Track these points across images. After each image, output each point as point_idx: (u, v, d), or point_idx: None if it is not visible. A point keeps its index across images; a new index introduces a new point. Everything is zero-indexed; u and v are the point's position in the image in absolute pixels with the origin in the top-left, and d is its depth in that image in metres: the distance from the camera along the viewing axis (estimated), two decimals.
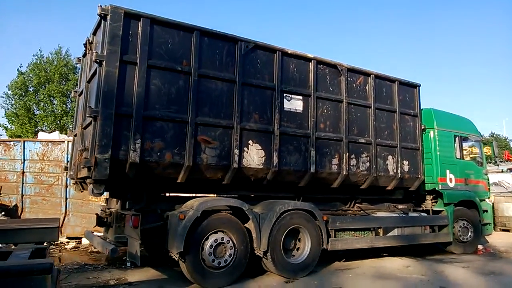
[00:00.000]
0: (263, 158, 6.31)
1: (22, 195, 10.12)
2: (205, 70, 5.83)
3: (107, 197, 6.97)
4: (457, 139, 9.45)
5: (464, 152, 9.76)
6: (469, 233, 9.10)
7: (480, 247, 10.03)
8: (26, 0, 44.38)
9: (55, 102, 25.96)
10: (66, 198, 9.74)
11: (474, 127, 10.10)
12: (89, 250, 8.60)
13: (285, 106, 6.64)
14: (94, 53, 5.10)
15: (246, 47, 6.23)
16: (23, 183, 10.10)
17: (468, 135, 9.78)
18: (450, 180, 9.08)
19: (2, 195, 10.20)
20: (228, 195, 6.62)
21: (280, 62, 6.60)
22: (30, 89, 26.11)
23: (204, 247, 5.59)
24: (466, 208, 9.28)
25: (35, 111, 26.27)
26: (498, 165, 14.78)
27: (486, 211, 9.85)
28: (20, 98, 25.72)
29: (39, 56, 26.31)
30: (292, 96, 6.74)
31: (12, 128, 25.57)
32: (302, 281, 6.20)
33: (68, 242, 9.36)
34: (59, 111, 25.41)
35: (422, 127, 8.87)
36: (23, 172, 10.12)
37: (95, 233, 7.68)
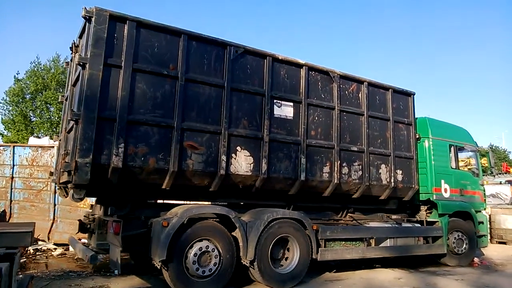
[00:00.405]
0: (252, 165, 6.18)
1: (11, 201, 9.94)
2: (193, 74, 5.74)
3: (93, 203, 6.84)
4: (452, 148, 9.32)
5: (460, 162, 9.65)
6: (464, 245, 8.92)
7: (475, 259, 9.87)
8: (24, 5, 44.59)
9: (52, 109, 25.96)
10: (55, 204, 9.58)
11: (470, 137, 9.98)
12: (76, 257, 8.41)
13: (275, 113, 6.53)
14: (77, 56, 5.01)
15: (235, 52, 6.15)
16: (11, 189, 9.94)
17: (464, 144, 9.66)
18: (445, 190, 8.94)
19: None
20: (216, 202, 6.48)
21: (271, 67, 6.51)
22: (27, 96, 26.13)
23: (188, 255, 5.44)
24: (461, 219, 9.11)
25: (31, 117, 26.26)
26: (494, 176, 14.62)
27: (482, 222, 9.69)
28: (17, 105, 25.72)
29: (36, 63, 26.43)
30: (283, 102, 6.64)
31: (9, 135, 25.52)
32: None
33: (55, 249, 9.16)
34: (56, 118, 25.33)
35: (417, 136, 8.75)
36: (12, 177, 9.97)
37: (82, 240, 7.54)
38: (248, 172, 6.13)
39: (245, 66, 6.30)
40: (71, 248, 9.10)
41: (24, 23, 45.14)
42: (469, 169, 9.82)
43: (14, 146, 10.23)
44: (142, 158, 5.24)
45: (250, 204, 6.71)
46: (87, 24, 5.24)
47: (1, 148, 10.31)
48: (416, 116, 8.88)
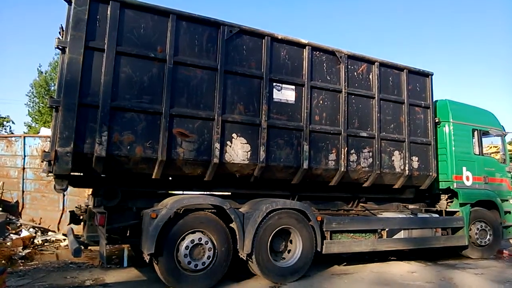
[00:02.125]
0: (249, 153, 5.81)
1: (23, 191, 10.07)
2: (183, 57, 5.39)
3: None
4: (475, 133, 8.60)
5: (484, 148, 8.92)
6: (488, 236, 8.28)
7: (505, 251, 9.18)
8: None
9: None
10: (64, 195, 9.56)
11: (496, 120, 9.17)
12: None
13: (274, 97, 6.11)
14: (56, 40, 4.75)
15: (229, 32, 5.74)
16: (23, 179, 10.05)
17: (489, 128, 8.88)
18: (467, 178, 8.27)
19: (4, 191, 10.20)
20: (214, 192, 6.20)
21: (269, 48, 6.07)
22: (52, 88, 26.66)
23: (180, 248, 5.18)
24: (485, 208, 8.45)
25: None
26: None
27: (509, 212, 8.94)
28: (43, 96, 26.29)
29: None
30: (283, 85, 6.20)
31: (36, 126, 26.20)
32: (290, 287, 5.69)
33: (64, 239, 9.19)
34: None
35: (436, 120, 8.12)
36: (24, 168, 10.06)
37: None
38: (245, 161, 5.77)
39: (241, 47, 5.89)
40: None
41: (46, 15, 46.14)
42: (494, 154, 9.07)
43: (24, 137, 10.29)
44: (128, 147, 4.97)
45: (252, 194, 6.38)
46: (67, 5, 4.97)
47: (13, 139, 10.42)
48: (435, 99, 8.25)
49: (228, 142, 5.65)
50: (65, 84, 4.66)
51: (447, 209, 8.21)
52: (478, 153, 8.57)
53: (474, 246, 8.22)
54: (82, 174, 5.46)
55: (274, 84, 6.11)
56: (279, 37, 6.18)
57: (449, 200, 8.38)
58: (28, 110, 26.92)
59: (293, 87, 6.29)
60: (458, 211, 8.07)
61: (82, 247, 5.75)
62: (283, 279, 5.81)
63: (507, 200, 9.04)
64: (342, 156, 6.58)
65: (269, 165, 5.93)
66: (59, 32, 5.83)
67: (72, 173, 5.04)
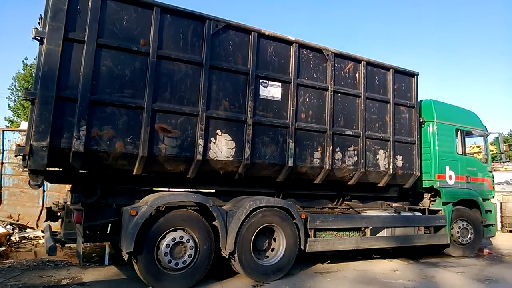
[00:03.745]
0: (234, 149, 5.72)
1: (1, 187, 9.72)
2: (167, 51, 5.25)
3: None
4: (459, 133, 8.70)
5: (467, 148, 9.03)
6: (469, 235, 8.39)
7: (485, 249, 9.34)
8: None
9: None
10: (44, 191, 9.32)
11: (479, 120, 9.30)
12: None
13: (260, 93, 6.03)
14: (33, 30, 4.57)
15: (215, 27, 5.63)
16: (1, 174, 9.70)
17: (472, 129, 9.00)
18: (450, 177, 8.36)
19: None
20: (198, 189, 6.10)
21: (256, 44, 5.98)
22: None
23: (160, 246, 5.07)
24: (467, 207, 8.57)
25: None
26: (504, 162, 13.88)
27: (490, 211, 9.09)
28: (24, 89, 25.56)
29: None
30: (269, 82, 6.12)
31: (19, 120, 25.53)
32: (272, 285, 5.65)
33: (43, 236, 8.95)
34: None
35: (421, 120, 8.18)
36: (2, 163, 9.73)
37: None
38: (229, 158, 5.68)
39: (227, 42, 5.78)
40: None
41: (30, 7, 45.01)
42: (476, 154, 9.19)
43: (3, 131, 9.94)
44: (108, 142, 4.82)
45: (236, 191, 6.29)
46: None
47: None
48: (420, 99, 8.30)
49: (212, 139, 5.55)
50: (42, 76, 4.48)
51: (430, 208, 8.29)
52: (461, 153, 8.67)
53: (455, 245, 8.32)
54: (60, 169, 5.29)
55: (260, 80, 6.03)
56: (266, 33, 6.09)
57: (432, 199, 8.47)
58: (8, 104, 26.26)
59: (280, 84, 6.22)
60: (441, 209, 8.16)
61: (59, 245, 5.59)
62: (266, 278, 5.76)
63: (488, 199, 9.21)
64: (328, 154, 6.55)
65: (254, 162, 5.85)
66: (38, 22, 5.62)
67: (48, 169, 4.87)
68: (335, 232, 6.67)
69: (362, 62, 7.16)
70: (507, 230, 13.34)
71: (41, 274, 5.79)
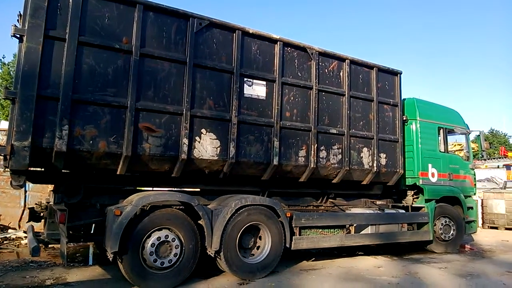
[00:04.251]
0: (219, 148, 5.72)
1: None
2: (150, 49, 5.22)
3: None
4: (441, 131, 8.86)
5: (449, 146, 9.21)
6: (452, 231, 8.56)
7: (466, 245, 9.54)
8: None
9: None
10: (25, 191, 9.15)
11: (461, 119, 9.49)
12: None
13: (245, 92, 6.04)
14: (12, 27, 4.48)
15: (199, 25, 5.61)
16: None
17: (454, 127, 9.18)
18: (433, 174, 8.51)
19: None
20: (183, 188, 6.06)
21: (240, 42, 5.98)
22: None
23: (145, 245, 5.04)
24: (450, 204, 8.74)
25: None
26: (485, 160, 14.20)
27: (471, 208, 9.30)
28: (4, 88, 25.02)
29: None
30: (254, 81, 6.14)
31: None
32: (258, 283, 5.67)
33: (25, 237, 8.80)
34: None
35: (404, 118, 8.30)
36: None
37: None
38: (214, 157, 5.67)
39: (211, 40, 5.77)
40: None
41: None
42: (458, 152, 9.38)
43: None
44: (91, 141, 4.76)
45: (222, 190, 6.30)
46: None
47: None
48: (404, 97, 8.42)
49: (197, 138, 5.54)
50: (23, 74, 4.39)
51: (413, 205, 8.43)
52: (443, 151, 8.82)
53: (438, 241, 8.48)
54: (42, 169, 5.21)
55: (245, 79, 6.04)
56: (250, 32, 6.10)
57: (415, 196, 8.61)
58: None
59: (264, 82, 6.23)
60: (424, 207, 8.30)
61: (42, 246, 5.51)
62: (251, 276, 5.78)
63: (470, 196, 9.39)
64: (312, 153, 6.60)
65: (239, 161, 5.86)
66: (18, 20, 5.51)
67: (30, 169, 4.80)
68: (320, 230, 6.73)
69: (346, 60, 7.23)
70: (488, 226, 13.66)
71: (24, 275, 5.71)
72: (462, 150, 9.75)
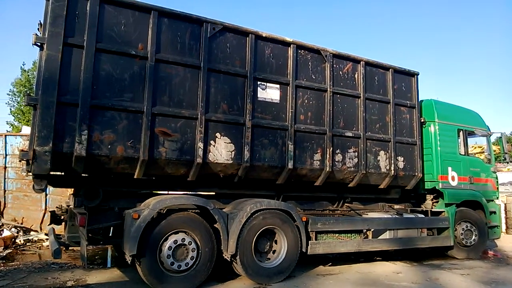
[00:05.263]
0: (233, 152, 5.75)
1: (5, 191, 9.85)
2: (164, 54, 5.30)
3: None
4: (461, 133, 8.65)
5: (469, 148, 8.98)
6: (473, 237, 8.32)
7: (490, 251, 9.25)
8: None
9: None
10: (46, 194, 9.40)
11: (482, 120, 9.25)
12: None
13: (259, 96, 6.05)
14: (33, 36, 4.63)
15: (212, 29, 5.67)
16: (5, 179, 9.82)
17: (474, 129, 8.94)
18: (453, 178, 8.31)
19: None
20: (197, 192, 6.11)
21: (254, 46, 6.01)
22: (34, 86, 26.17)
23: (163, 248, 5.10)
24: (471, 209, 8.50)
25: None
26: (507, 162, 13.77)
27: (494, 212, 9.01)
28: (25, 95, 25.85)
29: None
30: (268, 84, 6.15)
31: (19, 125, 25.79)
32: (275, 287, 5.63)
33: (47, 239, 9.01)
34: None
35: (422, 120, 8.15)
36: (5, 167, 9.84)
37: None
38: (229, 161, 5.70)
39: (225, 44, 5.82)
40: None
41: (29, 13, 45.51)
42: (479, 154, 9.13)
43: (6, 136, 10.07)
44: (109, 146, 4.86)
45: (236, 194, 6.31)
46: (45, 1, 4.84)
47: None
48: (421, 99, 8.27)
49: (212, 142, 5.58)
50: (43, 81, 4.53)
51: (432, 210, 8.24)
52: (463, 153, 8.61)
53: (459, 247, 8.25)
54: (62, 173, 5.34)
55: (259, 83, 6.06)
56: (264, 35, 6.12)
57: (434, 200, 8.41)
58: (10, 109, 26.54)
59: (278, 86, 6.24)
60: (444, 211, 8.10)
61: (63, 248, 5.65)
62: (268, 280, 5.76)
63: (492, 200, 9.10)
64: (328, 156, 6.55)
65: (253, 165, 5.87)
66: (38, 28, 5.70)
67: (51, 173, 4.93)
68: (337, 235, 6.65)
69: (361, 62, 7.16)
70: None
71: (46, 276, 5.86)
72: (483, 152, 9.50)
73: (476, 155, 9.36)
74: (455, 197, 8.21)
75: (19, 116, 25.38)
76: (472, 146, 9.66)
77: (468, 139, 8.85)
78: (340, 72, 6.93)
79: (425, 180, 8.16)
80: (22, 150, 4.61)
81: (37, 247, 8.45)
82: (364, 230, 6.91)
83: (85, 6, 4.86)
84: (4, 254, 7.34)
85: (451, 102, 9.02)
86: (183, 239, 5.21)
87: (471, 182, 8.60)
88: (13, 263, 6.80)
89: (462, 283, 6.25)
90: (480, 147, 9.96)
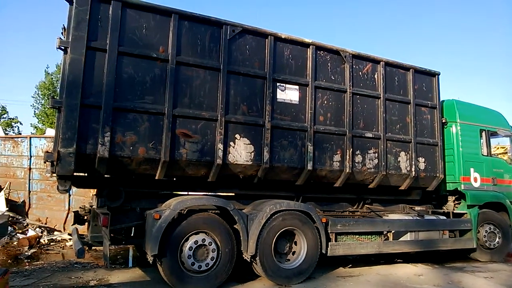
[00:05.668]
0: (252, 153, 5.76)
1: (29, 191, 10.15)
2: (185, 57, 5.36)
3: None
4: (483, 133, 8.46)
5: (492, 149, 8.77)
6: (497, 239, 8.13)
7: None
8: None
9: None
10: (69, 195, 9.62)
11: (505, 120, 9.01)
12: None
13: (278, 97, 6.05)
14: (58, 40, 4.75)
15: (232, 32, 5.70)
16: (29, 180, 10.12)
17: (497, 129, 8.72)
18: (475, 179, 8.13)
19: (11, 191, 10.27)
20: (217, 193, 6.13)
21: (273, 48, 6.02)
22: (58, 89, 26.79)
23: (183, 249, 5.16)
24: (494, 210, 8.30)
25: None
26: None
27: None
28: (49, 98, 26.43)
29: None
30: (287, 85, 6.14)
31: (43, 127, 26.45)
32: None
33: (70, 239, 9.22)
34: None
35: (443, 121, 8.00)
36: (30, 169, 10.13)
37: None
38: (249, 162, 5.72)
39: (244, 46, 5.84)
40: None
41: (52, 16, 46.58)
42: (502, 155, 8.91)
43: (30, 138, 10.36)
44: (131, 147, 4.94)
45: (256, 195, 6.33)
46: (69, 5, 4.96)
47: (19, 139, 10.49)
48: (442, 99, 8.13)
49: (231, 143, 5.61)
50: (67, 84, 4.65)
51: (454, 211, 8.08)
52: (486, 154, 8.42)
53: (482, 249, 8.07)
54: (85, 174, 5.46)
55: (278, 84, 6.06)
56: (283, 37, 6.12)
57: (456, 202, 8.25)
58: (34, 112, 27.25)
59: (297, 87, 6.23)
60: (466, 213, 7.94)
61: (86, 248, 5.76)
62: (287, 281, 5.76)
63: None
64: (347, 157, 6.50)
65: (273, 166, 5.87)
66: (62, 32, 5.84)
67: (75, 174, 5.04)
68: (357, 236, 6.59)
69: (381, 62, 7.09)
70: None
71: (70, 275, 6.00)
72: (507, 153, 9.25)
73: (499, 156, 9.14)
74: (477, 199, 8.03)
75: (43, 118, 26.02)
76: (495, 147, 9.45)
77: (491, 139, 8.65)
78: (360, 73, 6.87)
79: (447, 181, 8.01)
80: (47, 152, 4.73)
81: (61, 247, 8.64)
82: (385, 232, 6.84)
83: (107, 10, 4.95)
84: (29, 254, 7.55)
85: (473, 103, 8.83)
86: (204, 240, 5.26)
87: (494, 183, 8.40)
88: (38, 262, 6.99)
89: (486, 286, 6.12)
90: (503, 147, 9.71)
